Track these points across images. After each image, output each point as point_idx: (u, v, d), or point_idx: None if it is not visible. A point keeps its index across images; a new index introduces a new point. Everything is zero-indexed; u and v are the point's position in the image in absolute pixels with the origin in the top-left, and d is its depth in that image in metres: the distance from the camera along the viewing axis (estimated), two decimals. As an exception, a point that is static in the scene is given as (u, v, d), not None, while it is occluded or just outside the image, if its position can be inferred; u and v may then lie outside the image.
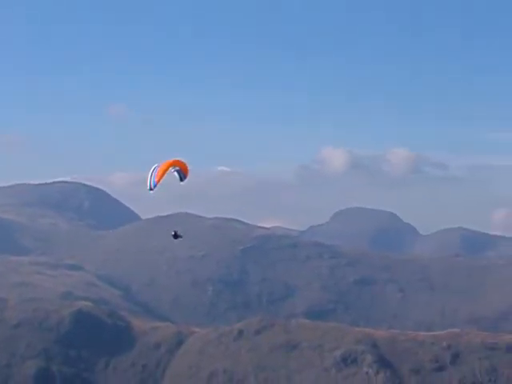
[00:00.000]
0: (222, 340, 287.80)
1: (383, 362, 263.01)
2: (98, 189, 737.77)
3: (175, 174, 78.59)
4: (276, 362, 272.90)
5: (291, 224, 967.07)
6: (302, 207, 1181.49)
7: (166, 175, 77.52)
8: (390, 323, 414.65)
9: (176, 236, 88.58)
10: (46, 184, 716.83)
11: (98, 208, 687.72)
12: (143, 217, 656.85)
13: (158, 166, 77.26)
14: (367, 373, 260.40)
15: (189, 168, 78.69)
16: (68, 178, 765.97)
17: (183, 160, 78.70)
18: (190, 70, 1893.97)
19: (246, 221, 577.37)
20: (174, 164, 77.59)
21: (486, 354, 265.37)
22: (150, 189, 77.57)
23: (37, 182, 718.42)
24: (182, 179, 79.16)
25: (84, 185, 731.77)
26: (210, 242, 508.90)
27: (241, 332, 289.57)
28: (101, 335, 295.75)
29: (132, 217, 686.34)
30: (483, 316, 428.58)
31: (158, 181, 77.07)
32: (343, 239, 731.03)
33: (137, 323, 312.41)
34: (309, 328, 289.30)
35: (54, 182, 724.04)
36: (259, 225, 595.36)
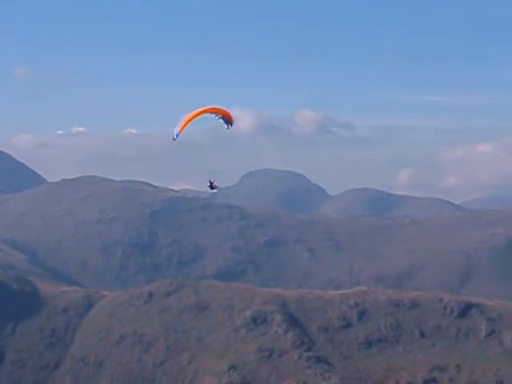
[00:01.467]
0: (131, 303, 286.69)
1: (292, 321, 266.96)
2: (1, 152, 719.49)
3: (220, 121, 78.04)
4: (186, 323, 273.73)
5: (201, 186, 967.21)
6: (211, 169, 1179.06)
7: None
8: (299, 283, 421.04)
9: (212, 187, 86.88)
10: None
11: (2, 171, 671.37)
12: (49, 180, 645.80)
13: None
14: (276, 332, 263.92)
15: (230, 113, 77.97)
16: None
17: (217, 106, 77.67)
18: (94, 31, 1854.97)
19: (155, 183, 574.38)
20: (204, 112, 76.54)
21: (391, 311, 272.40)
22: (174, 138, 77.28)
23: None
24: (228, 125, 78.73)
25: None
26: (119, 205, 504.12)
27: (151, 294, 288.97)
28: (7, 300, 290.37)
29: (38, 180, 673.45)
30: (388, 274, 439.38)
31: (180, 131, 76.46)
32: (253, 200, 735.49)
33: (44, 288, 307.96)
34: (219, 289, 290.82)
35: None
36: (169, 187, 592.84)
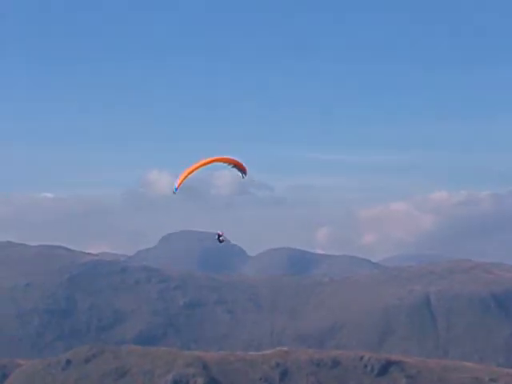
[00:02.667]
0: (49, 371, 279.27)
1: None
2: None
3: (234, 169, 77.36)
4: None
5: (119, 249, 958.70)
6: (129, 231, 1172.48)
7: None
8: (220, 344, 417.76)
9: (220, 240, 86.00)
10: None
11: None
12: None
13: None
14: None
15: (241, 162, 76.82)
16: None
17: (226, 156, 76.55)
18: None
19: (72, 248, 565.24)
20: (207, 164, 75.43)
21: (313, 370, 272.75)
22: (173, 192, 77.54)
23: None
24: (242, 174, 78.02)
25: None
26: (35, 271, 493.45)
27: (69, 361, 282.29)
28: None
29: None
30: (310, 333, 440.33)
31: (180, 183, 76.16)
32: (172, 262, 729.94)
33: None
34: (139, 353, 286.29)
35: None
36: (86, 251, 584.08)
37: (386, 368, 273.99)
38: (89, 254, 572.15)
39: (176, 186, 77.81)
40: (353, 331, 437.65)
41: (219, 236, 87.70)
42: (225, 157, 77.80)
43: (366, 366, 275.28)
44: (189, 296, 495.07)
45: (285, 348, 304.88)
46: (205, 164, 76.63)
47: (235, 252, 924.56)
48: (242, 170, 78.48)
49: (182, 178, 77.20)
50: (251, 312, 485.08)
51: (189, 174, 77.13)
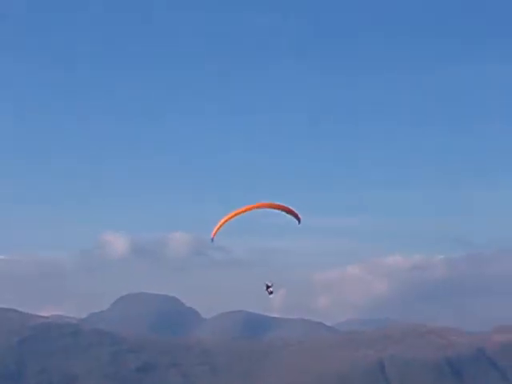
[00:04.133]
0: None
1: None
2: None
3: (288, 216, 75.89)
4: None
5: (72, 311, 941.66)
6: (82, 294, 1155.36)
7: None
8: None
9: (270, 291, 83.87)
10: None
11: None
12: None
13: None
14: None
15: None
16: None
17: (277, 203, 74.72)
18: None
19: (23, 310, 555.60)
20: (246, 210, 73.95)
21: None
22: (212, 240, 76.23)
23: None
24: (297, 220, 76.57)
25: None
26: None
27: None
28: None
29: None
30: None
31: (216, 232, 74.75)
32: (125, 325, 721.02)
33: None
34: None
35: None
36: (38, 313, 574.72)
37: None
38: (40, 316, 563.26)
39: (212, 236, 76.65)
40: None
41: (268, 287, 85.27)
42: (277, 203, 76.84)
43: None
44: (141, 359, 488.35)
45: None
46: (255, 208, 75.46)
47: (190, 314, 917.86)
48: (296, 216, 77.35)
49: (218, 226, 75.82)
50: (205, 376, 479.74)
51: (222, 224, 76.10)
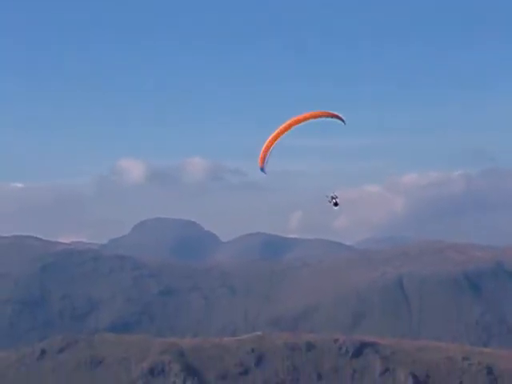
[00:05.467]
0: (23, 362, 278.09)
1: (190, 371, 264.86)
2: None
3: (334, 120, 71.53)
4: (82, 379, 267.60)
5: (92, 238, 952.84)
6: (102, 220, 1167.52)
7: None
8: (195, 331, 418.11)
9: (336, 203, 79.30)
10: None
11: None
12: None
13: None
14: (175, 382, 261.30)
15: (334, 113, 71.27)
16: None
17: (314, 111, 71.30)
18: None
19: (44, 237, 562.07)
20: (286, 129, 70.17)
21: (288, 354, 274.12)
22: (264, 173, 73.08)
23: None
24: (342, 121, 73.19)
25: None
26: (6, 261, 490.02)
27: (43, 351, 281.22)
28: None
29: None
30: (284, 317, 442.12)
31: (263, 162, 70.99)
32: (145, 250, 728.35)
33: None
34: (113, 342, 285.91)
35: None
36: (59, 240, 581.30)
37: (360, 350, 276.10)
38: (61, 243, 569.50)
39: (261, 166, 72.35)
40: (327, 314, 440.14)
41: (333, 198, 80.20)
42: (319, 111, 72.21)
43: (340, 349, 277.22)
44: (163, 283, 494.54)
45: (260, 333, 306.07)
46: (292, 125, 70.63)
47: (208, 238, 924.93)
48: (338, 117, 72.92)
49: (263, 156, 71.44)
50: (225, 298, 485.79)
51: (275, 139, 71.20)
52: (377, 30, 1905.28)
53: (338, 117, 73.35)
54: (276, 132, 71.71)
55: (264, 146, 71.95)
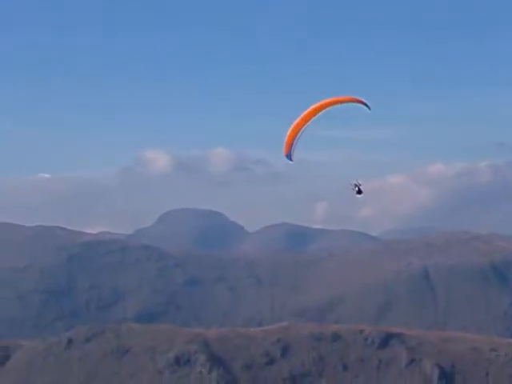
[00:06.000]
0: (51, 351, 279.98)
1: (216, 361, 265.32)
2: None
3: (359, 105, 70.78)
4: (108, 368, 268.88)
5: (117, 228, 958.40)
6: (127, 211, 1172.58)
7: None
8: (221, 321, 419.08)
9: (360, 190, 79.48)
10: None
11: None
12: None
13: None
14: (200, 372, 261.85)
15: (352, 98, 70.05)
16: None
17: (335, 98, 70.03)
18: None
19: (70, 228, 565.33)
20: (306, 119, 68.93)
21: (314, 345, 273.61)
22: (291, 161, 71.98)
23: None
24: (367, 107, 72.13)
25: None
26: (33, 252, 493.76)
27: (70, 341, 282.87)
28: None
29: None
30: (310, 308, 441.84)
31: (288, 150, 69.77)
32: (170, 241, 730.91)
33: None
34: (139, 331, 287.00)
35: None
36: (85, 231, 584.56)
37: (386, 341, 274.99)
38: (87, 233, 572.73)
39: (285, 153, 71.07)
40: (352, 305, 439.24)
41: (356, 186, 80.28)
42: (342, 97, 70.80)
43: (366, 339, 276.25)
44: (188, 274, 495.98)
45: (285, 323, 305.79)
46: (317, 111, 68.80)
47: (234, 229, 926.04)
48: (362, 103, 71.84)
49: (288, 143, 69.91)
50: (251, 288, 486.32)
51: (300, 126, 69.50)
52: (402, 21, 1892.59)
53: (362, 102, 72.26)
54: (300, 118, 70.35)
55: (288, 132, 70.68)
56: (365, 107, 73.13)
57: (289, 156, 72.54)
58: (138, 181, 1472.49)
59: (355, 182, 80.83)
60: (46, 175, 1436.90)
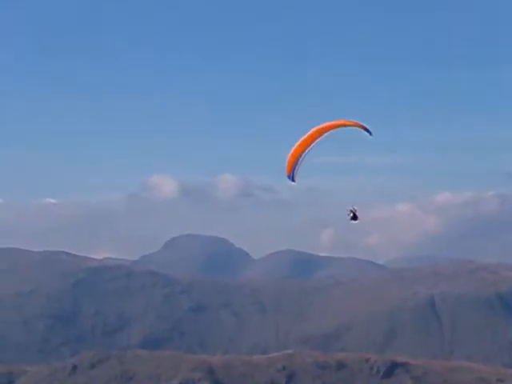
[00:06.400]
0: (55, 376, 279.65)
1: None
2: None
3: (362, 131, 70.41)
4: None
5: (123, 254, 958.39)
6: (133, 236, 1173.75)
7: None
8: (225, 348, 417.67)
9: (355, 216, 79.16)
10: None
11: None
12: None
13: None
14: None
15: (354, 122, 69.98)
16: None
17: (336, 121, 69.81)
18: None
19: (76, 253, 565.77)
20: (312, 139, 68.94)
21: (318, 373, 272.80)
22: (293, 181, 71.25)
23: None
24: (369, 133, 71.80)
25: None
26: (39, 276, 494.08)
27: (75, 367, 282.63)
28: None
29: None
30: (315, 335, 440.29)
31: (290, 170, 69.25)
32: (176, 266, 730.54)
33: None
34: (144, 358, 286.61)
35: None
36: (90, 256, 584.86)
37: (391, 370, 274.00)
38: (93, 259, 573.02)
39: (287, 174, 70.47)
40: (358, 333, 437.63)
41: (351, 211, 79.75)
42: (343, 120, 70.61)
43: (371, 368, 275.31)
44: (194, 300, 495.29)
45: (290, 351, 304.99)
46: (319, 133, 68.86)
47: (239, 255, 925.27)
48: (366, 129, 71.54)
49: (290, 163, 69.54)
50: (256, 315, 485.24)
51: (302, 147, 69.44)
52: (412, 50, 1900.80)
53: (363, 127, 72.72)
54: (302, 139, 70.54)
55: (290, 152, 70.69)
56: (366, 133, 73.14)
57: (291, 176, 72.14)
58: (144, 206, 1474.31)
59: (351, 208, 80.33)
60: (52, 200, 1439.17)
